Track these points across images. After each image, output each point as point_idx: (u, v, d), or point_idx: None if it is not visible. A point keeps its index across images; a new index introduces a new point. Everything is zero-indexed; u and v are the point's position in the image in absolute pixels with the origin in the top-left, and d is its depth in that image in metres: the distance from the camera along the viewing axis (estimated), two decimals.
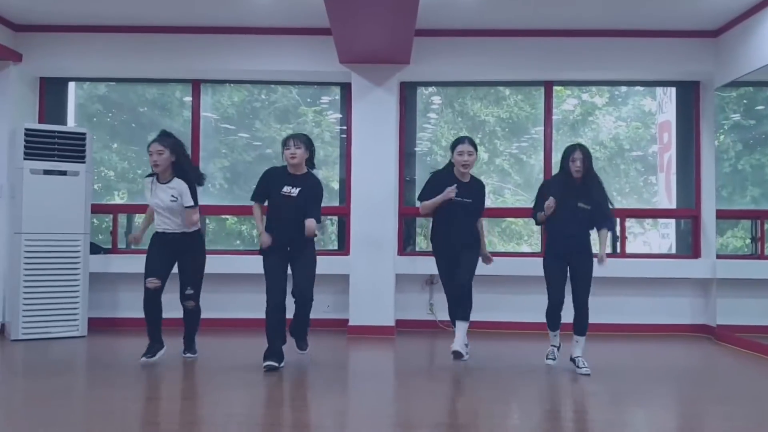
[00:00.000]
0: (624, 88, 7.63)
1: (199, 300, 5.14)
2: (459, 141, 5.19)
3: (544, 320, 5.18)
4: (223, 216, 7.61)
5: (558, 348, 5.27)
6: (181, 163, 5.01)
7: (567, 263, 4.99)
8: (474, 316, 5.24)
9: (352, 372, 5.35)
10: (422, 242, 7.48)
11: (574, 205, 4.91)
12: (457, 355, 5.07)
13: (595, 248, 5.09)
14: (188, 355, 5.32)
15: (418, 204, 5.51)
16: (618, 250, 7.04)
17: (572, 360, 5.05)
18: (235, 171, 7.40)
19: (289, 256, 4.95)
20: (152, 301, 4.96)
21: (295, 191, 4.90)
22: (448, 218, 5.22)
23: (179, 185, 4.97)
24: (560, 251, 4.98)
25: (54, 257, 6.21)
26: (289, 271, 5.00)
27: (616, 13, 6.21)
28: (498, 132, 7.46)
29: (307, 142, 5.00)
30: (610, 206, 5.05)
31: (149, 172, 5.10)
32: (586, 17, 6.35)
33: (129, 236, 5.27)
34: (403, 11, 5.14)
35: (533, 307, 5.76)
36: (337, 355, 5.72)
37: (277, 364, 4.88)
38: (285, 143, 4.98)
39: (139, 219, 6.84)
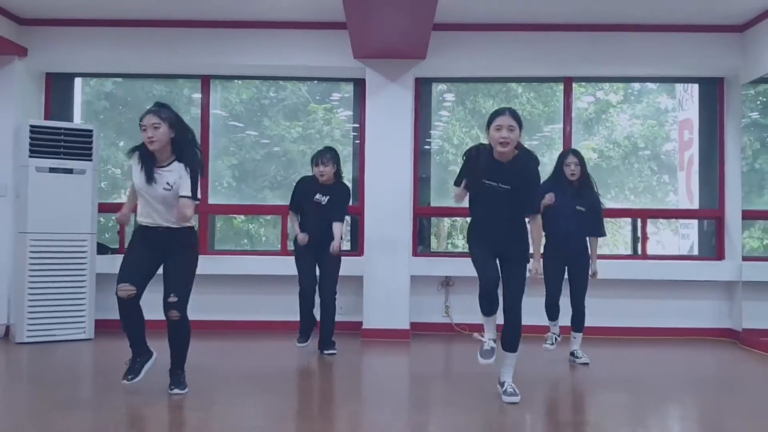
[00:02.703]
0: (638, 86, 7.54)
1: (185, 311, 4.07)
2: (497, 113, 3.96)
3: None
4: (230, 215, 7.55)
5: (558, 336, 5.43)
6: (182, 142, 4.05)
7: (565, 263, 5.24)
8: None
9: (368, 378, 5.25)
10: (434, 242, 7.39)
11: (573, 208, 5.13)
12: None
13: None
14: (175, 391, 4.15)
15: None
16: (639, 252, 6.89)
17: (571, 353, 5.35)
18: (244, 169, 7.32)
19: (317, 259, 5.49)
20: (127, 311, 4.00)
21: (325, 199, 5.46)
22: (487, 212, 4.09)
23: (178, 169, 4.01)
24: (559, 251, 5.17)
25: (60, 258, 6.06)
26: None
27: (638, 7, 6.06)
28: None
29: (334, 158, 5.48)
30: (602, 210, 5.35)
31: (135, 146, 4.17)
32: (607, 11, 6.21)
33: (116, 217, 4.24)
34: (423, 2, 4.95)
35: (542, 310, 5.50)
36: (352, 360, 5.59)
37: (305, 343, 5.56)
38: (315, 161, 5.46)
39: None
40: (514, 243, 4.05)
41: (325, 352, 5.57)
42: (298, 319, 5.61)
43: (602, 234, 5.35)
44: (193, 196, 3.98)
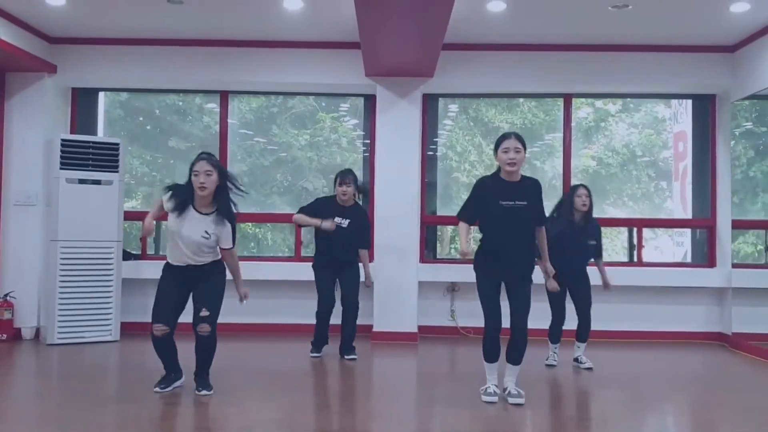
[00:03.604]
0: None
1: (215, 326, 4.32)
2: (504, 137, 4.24)
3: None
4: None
5: (557, 356, 5.63)
6: (224, 190, 4.28)
7: (567, 285, 5.43)
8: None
9: (379, 378, 5.49)
10: (438, 248, 7.59)
11: (585, 242, 5.39)
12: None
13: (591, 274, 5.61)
14: (203, 392, 4.38)
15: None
16: (635, 259, 7.16)
17: (575, 359, 5.54)
18: (253, 175, 7.50)
19: (337, 273, 5.67)
20: (162, 345, 4.35)
21: (345, 222, 5.61)
22: (502, 235, 4.23)
23: (221, 224, 4.25)
24: (562, 275, 5.16)
25: (88, 264, 6.34)
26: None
27: (635, 28, 6.31)
28: None
29: (356, 181, 5.68)
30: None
31: (170, 185, 4.37)
32: (605, 33, 6.47)
33: (143, 230, 4.34)
34: (434, 25, 5.23)
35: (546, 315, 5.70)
36: (364, 361, 5.81)
37: (319, 354, 5.72)
38: (339, 180, 5.64)
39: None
40: (524, 264, 4.27)
41: (346, 357, 5.72)
42: (310, 322, 5.81)
43: (601, 256, 5.68)
44: (234, 245, 4.39)
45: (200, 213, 4.27)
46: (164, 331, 4.27)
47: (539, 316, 6.06)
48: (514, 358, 4.33)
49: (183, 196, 4.26)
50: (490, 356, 4.36)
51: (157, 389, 4.41)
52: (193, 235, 4.21)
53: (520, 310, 4.23)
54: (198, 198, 4.25)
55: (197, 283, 4.35)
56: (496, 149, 4.28)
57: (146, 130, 7.73)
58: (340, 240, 5.63)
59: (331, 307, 5.67)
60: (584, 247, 5.46)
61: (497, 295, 4.28)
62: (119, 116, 7.60)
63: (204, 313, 4.25)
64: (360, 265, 5.86)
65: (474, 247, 4.48)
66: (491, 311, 4.24)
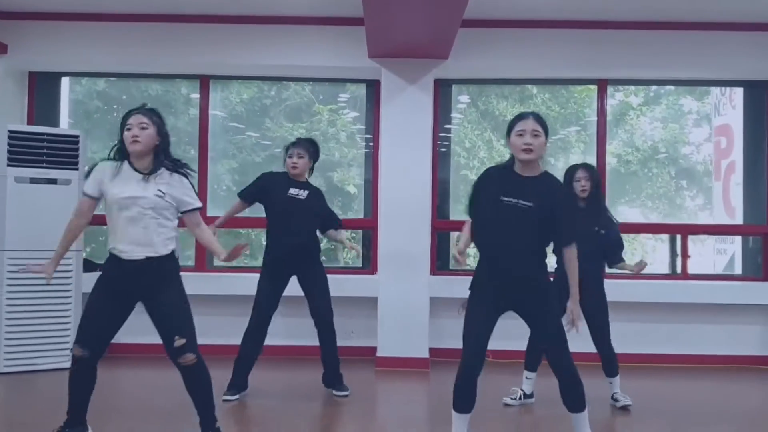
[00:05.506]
0: (654, 86, 7.23)
1: (198, 350, 3.44)
2: (519, 117, 3.40)
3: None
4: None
5: (524, 396, 4.67)
6: (165, 154, 3.52)
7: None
8: (502, 345, 4.45)
9: (383, 416, 4.81)
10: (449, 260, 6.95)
11: (589, 228, 4.32)
12: None
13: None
14: None
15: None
16: (678, 271, 6.42)
17: (612, 397, 4.72)
18: (244, 172, 7.02)
19: (299, 275, 4.74)
20: (79, 372, 3.41)
21: (303, 194, 4.77)
22: (499, 242, 3.35)
23: (172, 178, 3.48)
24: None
25: (41, 278, 5.49)
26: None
27: (678, 2, 5.69)
28: None
29: (310, 151, 4.86)
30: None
31: (104, 158, 3.58)
32: (646, 8, 5.83)
33: (26, 267, 3.69)
34: None
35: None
36: (365, 394, 5.07)
37: (233, 398, 4.59)
38: (287, 151, 4.87)
39: None
40: (534, 286, 3.36)
41: (336, 393, 4.84)
42: (300, 343, 5.23)
43: (619, 260, 4.62)
44: (200, 205, 3.58)
45: (139, 172, 3.46)
46: (83, 354, 3.35)
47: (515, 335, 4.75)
48: (573, 403, 3.48)
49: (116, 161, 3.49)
50: (458, 404, 3.44)
51: None
52: (145, 193, 3.38)
53: (552, 343, 3.40)
54: (134, 157, 3.45)
55: (149, 295, 3.41)
56: (509, 132, 3.40)
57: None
58: (300, 214, 4.68)
59: (271, 312, 4.62)
60: (591, 235, 4.30)
61: (482, 324, 3.38)
62: (97, 107, 7.09)
63: (179, 342, 3.35)
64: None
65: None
66: (467, 344, 3.39)
